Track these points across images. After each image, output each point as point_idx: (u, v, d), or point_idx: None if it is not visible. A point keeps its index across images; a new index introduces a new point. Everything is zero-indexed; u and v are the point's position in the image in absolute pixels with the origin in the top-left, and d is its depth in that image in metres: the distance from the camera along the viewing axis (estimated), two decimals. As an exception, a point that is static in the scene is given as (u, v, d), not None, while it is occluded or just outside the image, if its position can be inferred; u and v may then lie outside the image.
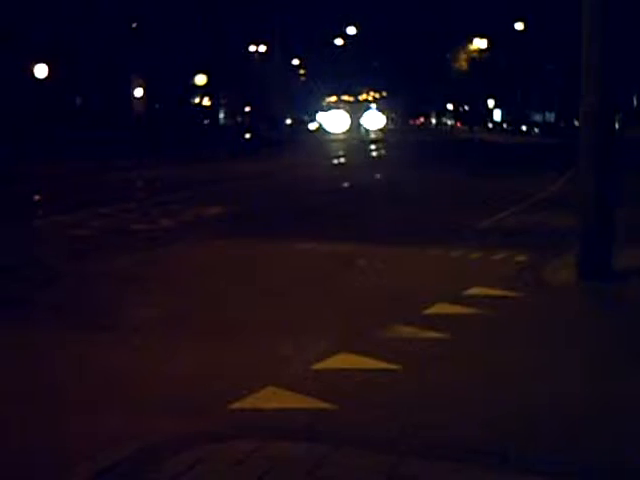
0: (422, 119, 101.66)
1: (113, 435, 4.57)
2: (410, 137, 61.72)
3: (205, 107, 51.83)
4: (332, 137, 58.62)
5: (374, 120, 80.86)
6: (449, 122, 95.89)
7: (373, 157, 37.46)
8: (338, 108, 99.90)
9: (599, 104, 8.51)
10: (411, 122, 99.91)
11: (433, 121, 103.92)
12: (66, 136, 34.03)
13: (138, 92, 40.76)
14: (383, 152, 41.29)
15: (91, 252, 10.74)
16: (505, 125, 74.61)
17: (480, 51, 73.47)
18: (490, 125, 77.82)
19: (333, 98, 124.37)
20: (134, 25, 39.34)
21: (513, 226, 13.23)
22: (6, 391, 5.40)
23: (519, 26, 59.65)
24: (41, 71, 32.73)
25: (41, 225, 13.40)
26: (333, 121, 75.65)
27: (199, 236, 12.12)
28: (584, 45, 8.55)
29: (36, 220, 14.01)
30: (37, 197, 18.62)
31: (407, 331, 6.67)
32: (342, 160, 33.70)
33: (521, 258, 10.07)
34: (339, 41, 73.32)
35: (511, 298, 7.92)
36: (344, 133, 69.97)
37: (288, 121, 65.76)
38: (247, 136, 42.30)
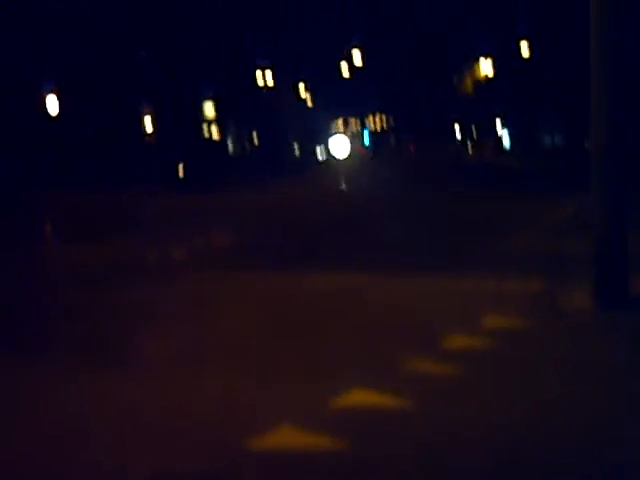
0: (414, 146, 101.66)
1: (126, 471, 4.52)
2: (416, 161, 61.80)
3: (214, 138, 52.13)
4: (338, 163, 58.88)
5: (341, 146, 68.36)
6: (455, 144, 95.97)
7: (377, 182, 37.48)
8: (341, 133, 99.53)
9: (610, 128, 8.46)
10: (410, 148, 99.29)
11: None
12: (77, 167, 34.25)
13: (148, 122, 41.05)
14: (387, 175, 41.33)
15: (104, 285, 10.73)
16: (513, 147, 74.68)
17: (486, 74, 73.72)
18: (496, 147, 77.86)
19: (340, 123, 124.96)
20: (143, 54, 39.70)
21: (527, 251, 13.13)
22: (20, 424, 5.37)
23: (525, 48, 59.83)
24: (52, 103, 33.08)
25: (54, 256, 13.42)
26: (337, 147, 71.32)
27: (212, 268, 12.09)
28: (592, 69, 8.51)
29: (49, 251, 14.04)
30: (50, 228, 18.68)
31: (422, 366, 6.58)
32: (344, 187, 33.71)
33: (536, 284, 9.97)
34: (344, 66, 73.70)
35: (527, 328, 7.82)
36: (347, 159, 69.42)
37: (296, 148, 65.85)
38: (180, 170, 34.11)
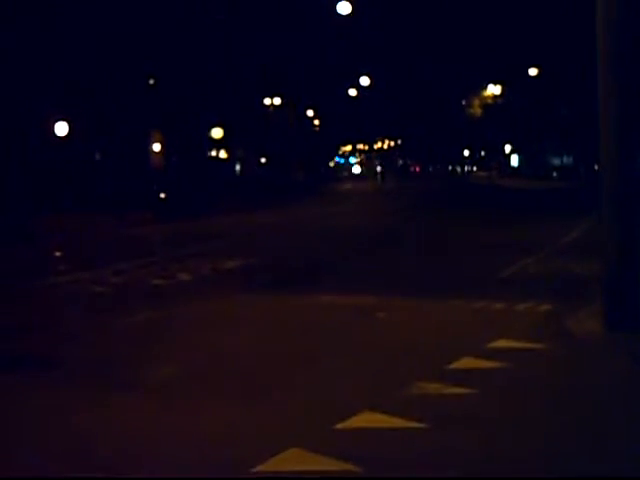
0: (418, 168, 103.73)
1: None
2: (427, 185, 61.89)
3: (222, 160, 52.35)
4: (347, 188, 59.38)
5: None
6: (466, 168, 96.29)
7: (387, 205, 37.48)
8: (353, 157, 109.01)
9: (618, 150, 8.44)
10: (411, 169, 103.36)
11: (449, 167, 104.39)
12: (84, 191, 34.41)
13: (156, 147, 41.24)
14: (398, 200, 41.35)
15: (112, 308, 10.72)
16: (521, 168, 74.78)
17: (494, 97, 73.94)
18: (507, 170, 78.01)
19: (348, 147, 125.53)
20: (151, 82, 39.95)
21: (536, 274, 13.07)
22: (28, 449, 5.34)
23: (533, 72, 59.99)
24: (61, 128, 33.28)
25: (62, 281, 13.42)
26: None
27: (217, 290, 12.07)
28: (600, 95, 8.51)
29: (57, 277, 14.04)
30: (58, 253, 18.71)
31: (432, 387, 6.53)
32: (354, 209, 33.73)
33: (545, 308, 9.91)
34: (353, 91, 74.13)
35: (537, 351, 7.76)
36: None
37: (303, 171, 66.24)
38: (162, 196, 32.02)
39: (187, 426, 5.77)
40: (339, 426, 5.63)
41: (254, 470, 4.90)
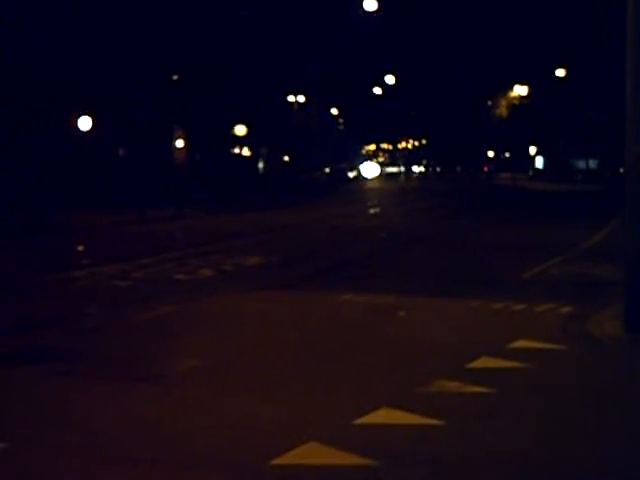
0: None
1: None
2: (450, 185, 61.66)
3: (245, 157, 52.46)
4: (368, 184, 59.27)
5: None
6: (488, 167, 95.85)
7: (409, 205, 37.38)
8: (376, 157, 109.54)
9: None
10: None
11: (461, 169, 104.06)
12: (108, 186, 34.62)
13: (179, 143, 41.42)
14: (418, 200, 41.27)
15: (133, 302, 10.80)
16: (548, 172, 74.34)
17: (521, 98, 73.48)
18: (532, 172, 77.56)
19: (372, 146, 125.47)
20: (175, 78, 40.12)
21: (557, 276, 13.02)
22: (50, 441, 5.41)
23: (560, 73, 59.52)
24: (85, 123, 33.51)
25: (84, 276, 13.54)
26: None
27: (239, 286, 12.13)
28: (628, 92, 8.46)
29: (79, 271, 14.16)
30: (80, 248, 18.87)
31: (450, 386, 6.55)
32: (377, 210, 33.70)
33: (566, 309, 9.88)
34: (378, 90, 73.95)
35: (556, 351, 7.75)
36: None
37: (327, 169, 66.25)
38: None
39: (206, 419, 5.82)
40: (357, 421, 5.66)
41: (272, 463, 4.94)
